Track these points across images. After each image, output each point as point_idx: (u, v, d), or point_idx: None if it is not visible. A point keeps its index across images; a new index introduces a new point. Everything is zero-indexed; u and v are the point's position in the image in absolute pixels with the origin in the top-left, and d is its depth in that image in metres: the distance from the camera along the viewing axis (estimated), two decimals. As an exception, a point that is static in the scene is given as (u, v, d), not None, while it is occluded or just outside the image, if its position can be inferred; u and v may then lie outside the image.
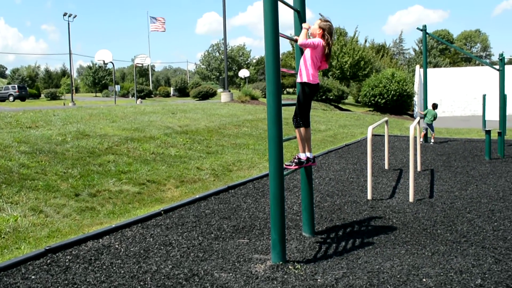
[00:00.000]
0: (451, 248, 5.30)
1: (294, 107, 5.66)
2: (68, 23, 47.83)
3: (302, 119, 5.49)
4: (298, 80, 5.44)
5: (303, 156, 5.64)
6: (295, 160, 5.63)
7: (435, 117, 15.88)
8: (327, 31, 5.38)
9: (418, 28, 16.21)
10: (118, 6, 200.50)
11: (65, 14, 47.22)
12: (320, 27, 5.38)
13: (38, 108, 22.05)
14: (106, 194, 7.97)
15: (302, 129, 5.55)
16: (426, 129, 15.94)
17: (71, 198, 7.49)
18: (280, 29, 4.73)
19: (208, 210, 7.20)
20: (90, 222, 6.70)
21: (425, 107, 16.70)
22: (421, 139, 15.32)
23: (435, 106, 16.26)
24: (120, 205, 7.64)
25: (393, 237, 5.78)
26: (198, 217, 6.77)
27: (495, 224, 6.30)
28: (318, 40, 5.31)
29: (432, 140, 15.87)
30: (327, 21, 5.46)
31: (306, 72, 5.35)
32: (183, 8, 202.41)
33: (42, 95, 68.84)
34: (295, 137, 5.82)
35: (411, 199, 7.68)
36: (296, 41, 5.43)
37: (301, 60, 5.46)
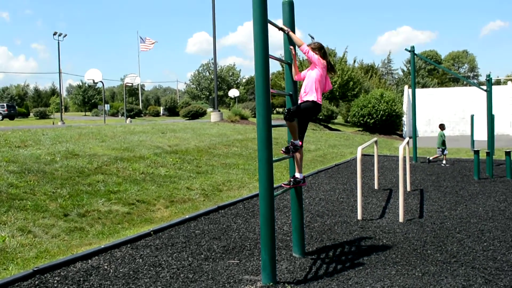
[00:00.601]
0: (441, 269, 5.31)
1: (285, 127, 5.74)
2: (58, 42, 47.79)
3: (293, 115, 5.54)
4: (306, 98, 5.52)
5: (299, 175, 5.72)
6: (292, 180, 5.72)
7: (443, 138, 15.62)
8: (322, 50, 5.62)
9: (406, 49, 16.42)
10: (109, 26, 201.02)
11: (55, 33, 47.21)
12: (313, 49, 5.55)
13: (27, 127, 21.93)
14: (95, 214, 7.92)
15: (294, 123, 5.60)
16: (441, 151, 15.57)
17: (60, 218, 7.43)
18: (270, 50, 4.78)
19: (198, 230, 7.17)
20: (79, 243, 6.64)
21: (414, 127, 16.80)
22: (444, 162, 15.36)
23: (442, 127, 16.04)
24: (110, 225, 7.58)
25: (383, 258, 5.78)
26: (188, 238, 6.73)
27: (485, 244, 6.32)
28: (318, 58, 5.47)
29: (444, 162, 15.48)
30: (316, 43, 5.65)
31: (316, 92, 5.51)
32: (174, 27, 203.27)
33: (31, 114, 68.60)
34: (286, 158, 5.86)
35: (401, 219, 7.70)
36: (299, 46, 5.54)
37: (308, 81, 5.55)
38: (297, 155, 5.72)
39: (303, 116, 5.66)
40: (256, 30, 4.66)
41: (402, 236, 6.79)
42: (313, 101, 5.50)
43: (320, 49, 5.63)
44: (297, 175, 5.76)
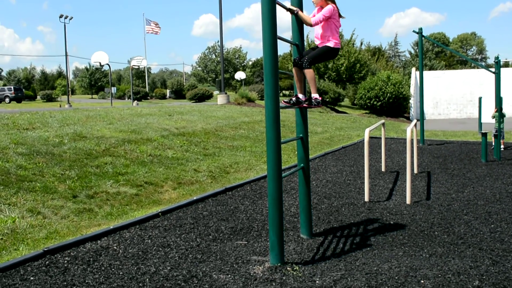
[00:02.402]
0: (448, 250, 5.32)
1: (293, 108, 5.72)
2: (64, 25, 47.76)
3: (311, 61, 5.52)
4: (323, 44, 5.55)
5: (301, 96, 5.72)
6: (293, 99, 5.71)
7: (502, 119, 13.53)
8: None
9: (414, 31, 16.28)
10: (114, 8, 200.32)
11: (61, 16, 47.17)
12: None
13: (35, 109, 22.01)
14: (104, 195, 7.97)
15: (311, 70, 5.58)
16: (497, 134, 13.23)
17: (69, 200, 7.49)
18: (278, 32, 4.75)
19: (205, 212, 7.21)
20: (88, 224, 6.70)
21: (421, 109, 16.72)
22: (502, 146, 13.73)
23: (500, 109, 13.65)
24: (118, 206, 7.64)
25: (390, 239, 5.80)
26: (196, 219, 6.78)
27: (492, 226, 6.33)
28: (328, 8, 5.44)
29: (502, 146, 13.91)
30: None
31: (333, 37, 5.50)
32: (180, 9, 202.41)
33: (38, 97, 68.72)
34: (293, 140, 5.87)
35: (408, 201, 7.71)
36: (310, 25, 5.49)
37: (322, 27, 5.52)
38: (296, 76, 5.70)
39: (322, 59, 5.70)
40: (264, 11, 4.63)
41: (409, 218, 6.81)
42: (332, 47, 5.52)
43: None
44: (300, 95, 5.72)
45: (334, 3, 5.52)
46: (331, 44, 5.51)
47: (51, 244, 5.61)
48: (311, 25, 5.47)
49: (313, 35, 5.80)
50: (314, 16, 5.58)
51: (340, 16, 5.62)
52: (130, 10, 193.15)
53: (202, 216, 6.93)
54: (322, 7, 5.53)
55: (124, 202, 7.89)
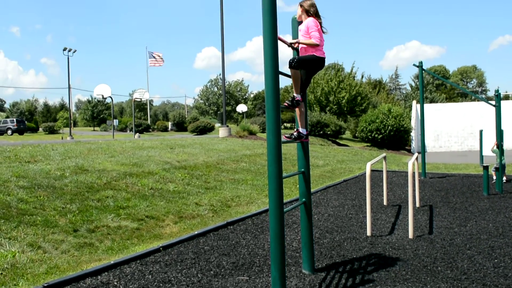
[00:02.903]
0: (452, 286, 5.27)
1: (293, 144, 5.77)
2: (68, 58, 48.30)
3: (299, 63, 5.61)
4: (308, 52, 5.62)
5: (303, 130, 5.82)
6: (295, 134, 5.81)
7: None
8: (313, 11, 5.63)
9: (414, 65, 16.43)
10: (118, 41, 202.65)
11: (65, 49, 47.72)
12: (305, 11, 5.65)
13: (37, 142, 22.07)
14: (105, 229, 7.94)
15: (296, 71, 5.68)
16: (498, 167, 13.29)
17: (70, 234, 7.46)
18: (279, 66, 4.80)
19: (207, 246, 7.17)
20: (89, 258, 6.66)
21: (422, 142, 16.75)
22: (504, 179, 13.80)
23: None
24: (119, 241, 7.60)
25: (393, 274, 5.75)
26: (197, 254, 6.73)
27: (496, 261, 6.28)
28: (311, 21, 5.54)
29: (504, 178, 13.96)
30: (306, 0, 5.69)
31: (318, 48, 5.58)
32: (182, 43, 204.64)
33: (40, 129, 69.07)
34: (295, 174, 5.88)
35: (410, 235, 7.66)
36: (316, 45, 5.54)
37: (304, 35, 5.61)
38: (298, 111, 5.83)
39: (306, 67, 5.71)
40: (266, 47, 4.69)
41: (412, 252, 6.76)
42: (319, 56, 5.60)
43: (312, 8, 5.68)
44: (301, 130, 5.79)
45: (313, 16, 5.62)
46: (317, 53, 5.58)
47: (51, 279, 5.57)
48: (317, 45, 5.53)
49: None
50: (304, 36, 5.62)
51: (322, 31, 5.71)
52: (133, 43, 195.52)
53: (203, 251, 6.89)
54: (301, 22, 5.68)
55: (125, 236, 7.85)
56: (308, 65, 5.63)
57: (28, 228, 7.33)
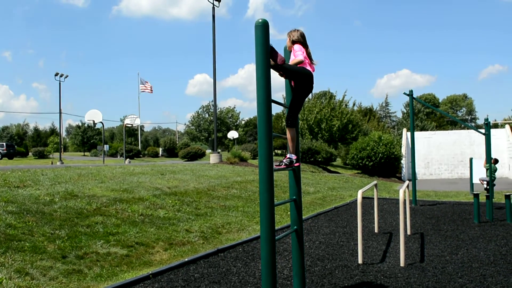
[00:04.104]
0: (444, 315, 5.24)
1: (284, 171, 5.73)
2: (59, 83, 48.37)
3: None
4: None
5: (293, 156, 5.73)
6: (285, 161, 5.70)
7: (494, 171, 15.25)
8: (300, 40, 5.64)
9: (405, 93, 16.60)
10: (110, 67, 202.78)
11: (56, 74, 47.84)
12: (292, 41, 5.64)
13: (27, 166, 21.91)
14: (94, 256, 7.84)
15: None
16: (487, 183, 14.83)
17: (58, 260, 7.36)
18: (271, 93, 4.82)
19: (197, 274, 7.09)
20: (77, 286, 6.56)
21: (413, 169, 16.81)
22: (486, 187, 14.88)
23: (496, 161, 16.08)
24: (108, 268, 7.50)
25: (385, 303, 5.71)
26: (187, 281, 6.66)
27: (487, 290, 6.26)
28: (297, 47, 5.53)
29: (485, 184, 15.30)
30: (295, 30, 5.70)
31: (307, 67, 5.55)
32: (174, 69, 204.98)
33: (30, 153, 68.69)
34: (287, 202, 5.85)
35: (402, 263, 7.64)
36: (302, 61, 5.55)
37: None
38: (289, 135, 5.77)
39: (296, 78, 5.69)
40: (259, 76, 4.72)
41: (403, 281, 6.73)
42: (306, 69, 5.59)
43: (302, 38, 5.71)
44: (290, 155, 5.75)
45: (299, 43, 5.66)
46: (306, 67, 5.61)
47: (38, 307, 5.47)
48: (302, 61, 5.52)
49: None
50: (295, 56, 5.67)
51: (311, 60, 5.73)
52: (125, 69, 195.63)
53: (193, 279, 6.82)
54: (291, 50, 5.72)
55: (114, 263, 7.76)
56: (297, 76, 5.61)
57: (16, 254, 7.23)
